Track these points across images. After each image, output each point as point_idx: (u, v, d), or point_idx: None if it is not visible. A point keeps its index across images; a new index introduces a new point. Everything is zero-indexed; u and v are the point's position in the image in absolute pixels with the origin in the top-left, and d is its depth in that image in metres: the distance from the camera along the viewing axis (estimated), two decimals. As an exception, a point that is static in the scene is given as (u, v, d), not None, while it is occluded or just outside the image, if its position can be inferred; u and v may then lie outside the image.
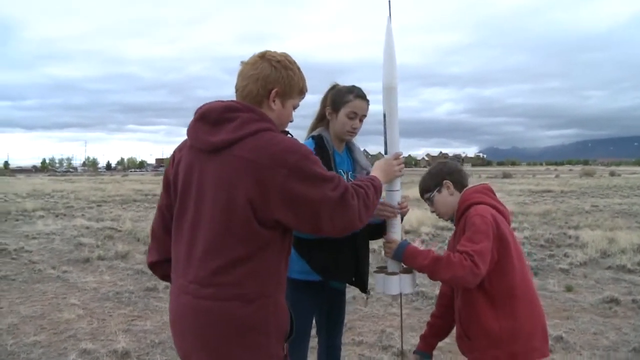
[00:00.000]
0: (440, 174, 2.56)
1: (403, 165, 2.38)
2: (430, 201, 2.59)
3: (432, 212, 2.62)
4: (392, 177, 2.32)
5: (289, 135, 1.93)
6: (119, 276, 7.44)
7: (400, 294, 2.46)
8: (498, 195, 2.55)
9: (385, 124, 2.40)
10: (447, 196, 2.52)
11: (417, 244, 2.42)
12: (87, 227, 12.53)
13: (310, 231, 1.83)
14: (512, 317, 2.26)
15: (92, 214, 16.46)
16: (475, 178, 43.96)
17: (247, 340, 1.78)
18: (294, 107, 2.02)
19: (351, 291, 5.37)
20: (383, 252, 2.46)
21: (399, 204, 2.45)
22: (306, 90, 2.04)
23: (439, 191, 2.54)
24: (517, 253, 2.35)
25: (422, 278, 4.64)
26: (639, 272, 7.45)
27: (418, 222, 11.64)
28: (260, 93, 1.89)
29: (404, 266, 2.43)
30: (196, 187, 1.83)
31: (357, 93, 2.68)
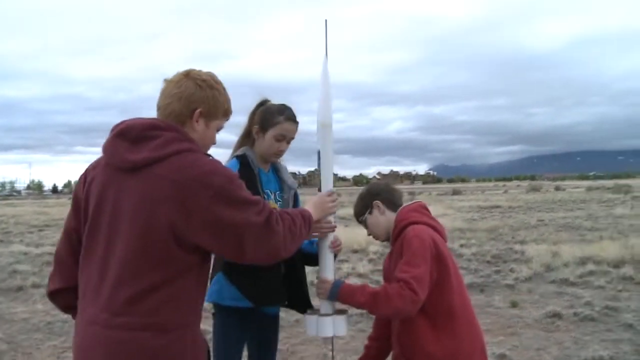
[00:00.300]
0: (369, 196, 2.52)
1: (336, 203, 2.32)
2: (363, 224, 2.54)
3: (369, 235, 2.56)
4: (325, 213, 2.26)
5: (210, 157, 1.83)
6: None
7: (333, 336, 2.34)
8: (449, 212, 2.52)
9: (319, 161, 2.33)
10: (379, 217, 2.47)
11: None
12: (25, 253, 11.96)
13: (233, 257, 1.75)
14: (452, 337, 2.22)
15: (32, 239, 15.77)
16: (426, 195, 44.70)
17: None
18: (218, 129, 1.94)
19: (294, 314, 5.24)
20: (316, 293, 2.36)
21: (331, 242, 2.36)
22: (231, 112, 1.95)
23: (370, 213, 2.49)
24: (455, 272, 2.32)
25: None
26: (581, 284, 7.58)
27: (366, 242, 11.59)
28: (183, 112, 1.80)
29: (336, 308, 2.35)
30: (111, 207, 1.70)
31: (287, 115, 2.59)
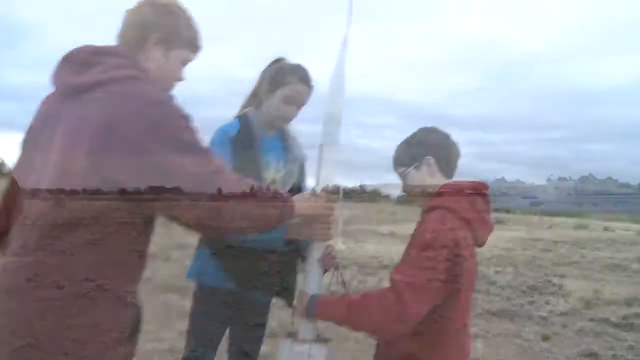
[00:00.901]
0: (422, 147, 1.89)
1: (333, 209, 1.87)
2: (402, 177, 1.94)
3: (403, 191, 1.99)
4: (315, 214, 1.83)
5: (164, 91, 1.65)
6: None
7: None
8: (488, 239, 1.89)
9: (320, 158, 1.92)
10: (427, 177, 1.88)
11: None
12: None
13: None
14: None
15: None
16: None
17: (68, 330, 1.45)
18: (183, 62, 1.72)
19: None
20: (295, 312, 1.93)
21: (323, 255, 1.93)
22: (200, 45, 1.74)
23: (417, 168, 1.88)
24: (468, 289, 1.82)
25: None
26: (625, 326, 6.85)
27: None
28: (137, 39, 1.64)
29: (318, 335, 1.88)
30: (47, 137, 1.55)
31: (301, 76, 2.26)
